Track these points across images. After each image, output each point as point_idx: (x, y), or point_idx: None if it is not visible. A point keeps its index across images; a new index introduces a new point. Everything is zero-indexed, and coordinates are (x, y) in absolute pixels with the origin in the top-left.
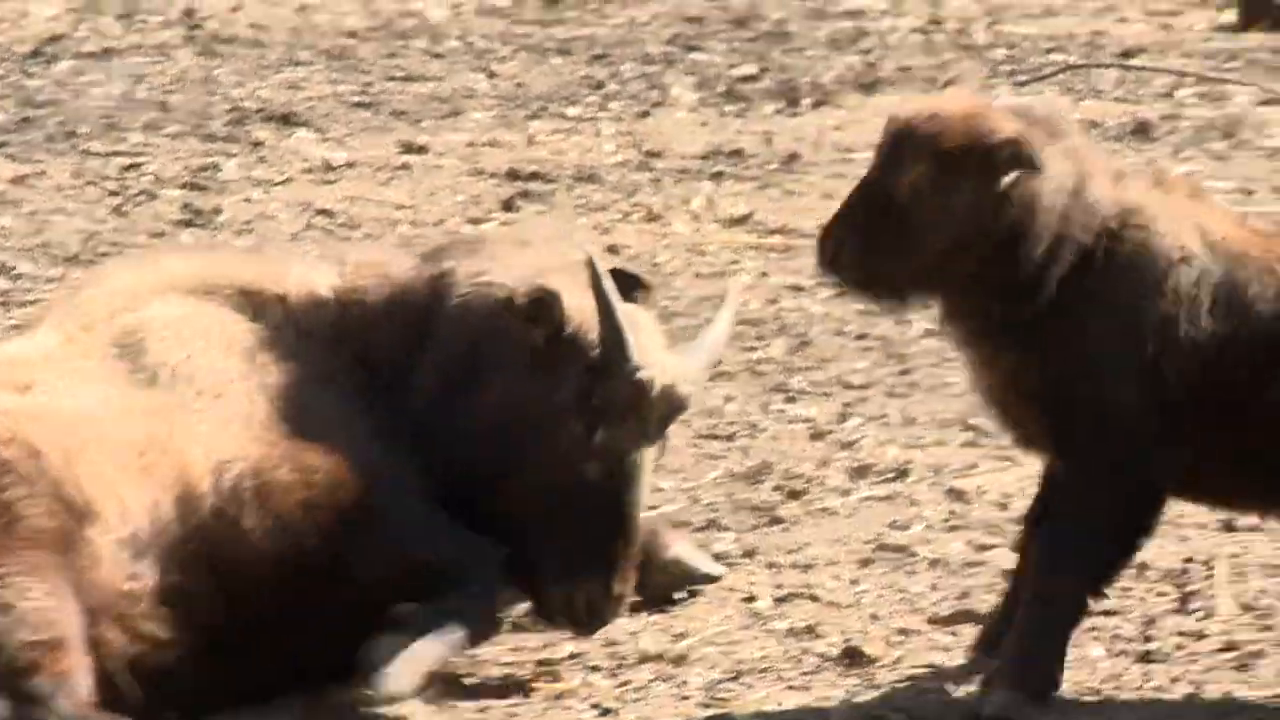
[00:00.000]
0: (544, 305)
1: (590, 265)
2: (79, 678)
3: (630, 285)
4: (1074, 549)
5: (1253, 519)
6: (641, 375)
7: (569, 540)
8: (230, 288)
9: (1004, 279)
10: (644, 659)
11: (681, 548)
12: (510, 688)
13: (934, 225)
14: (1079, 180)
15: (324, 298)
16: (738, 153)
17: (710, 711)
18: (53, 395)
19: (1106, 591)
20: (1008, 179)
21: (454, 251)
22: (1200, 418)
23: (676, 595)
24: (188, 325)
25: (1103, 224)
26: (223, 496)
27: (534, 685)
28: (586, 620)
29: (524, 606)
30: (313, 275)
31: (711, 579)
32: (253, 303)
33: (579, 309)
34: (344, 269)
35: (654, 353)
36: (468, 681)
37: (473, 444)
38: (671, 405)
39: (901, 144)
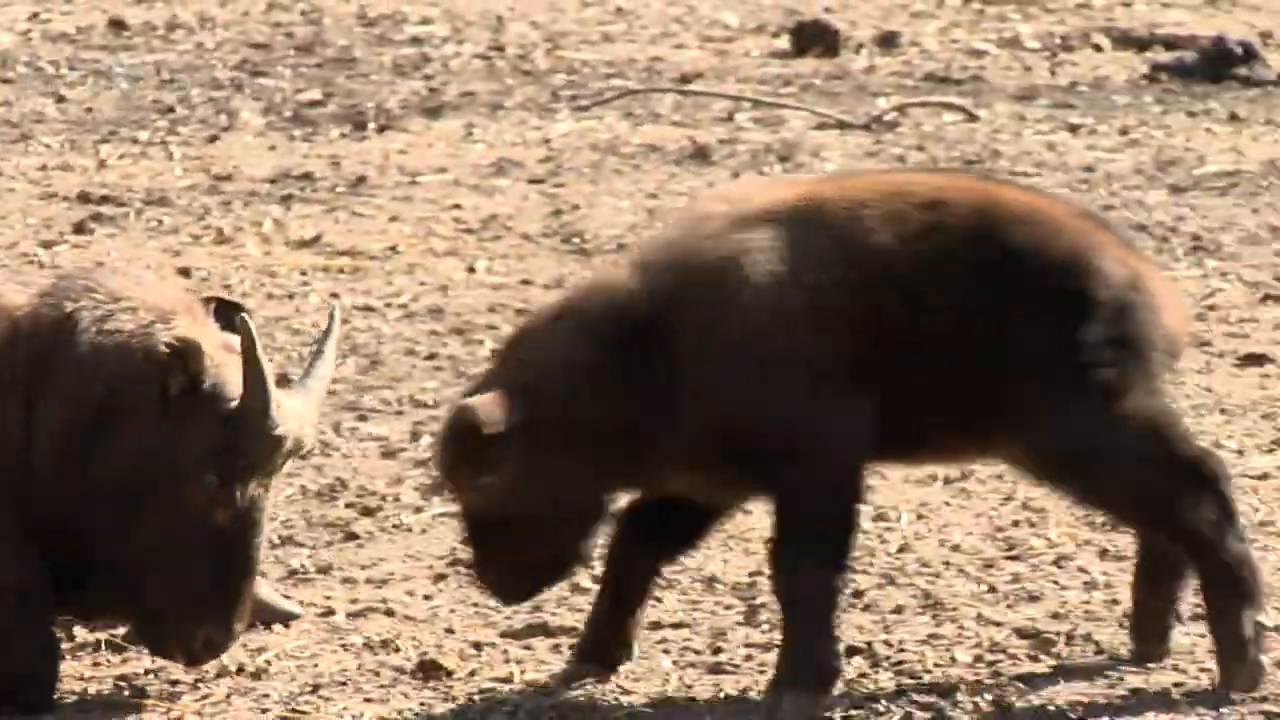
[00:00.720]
0: (186, 356)
1: (245, 326)
2: None
3: (230, 314)
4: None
5: None
6: (281, 431)
7: (191, 583)
8: None
9: None
10: (223, 673)
11: (263, 590)
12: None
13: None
14: None
15: None
16: (306, 176)
17: None
18: None
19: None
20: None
21: (72, 289)
22: None
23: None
24: None
25: None
26: None
27: (110, 697)
28: (203, 656)
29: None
30: None
31: (293, 617)
32: None
33: (212, 358)
34: None
35: (284, 403)
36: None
37: (97, 494)
38: (297, 450)
39: None
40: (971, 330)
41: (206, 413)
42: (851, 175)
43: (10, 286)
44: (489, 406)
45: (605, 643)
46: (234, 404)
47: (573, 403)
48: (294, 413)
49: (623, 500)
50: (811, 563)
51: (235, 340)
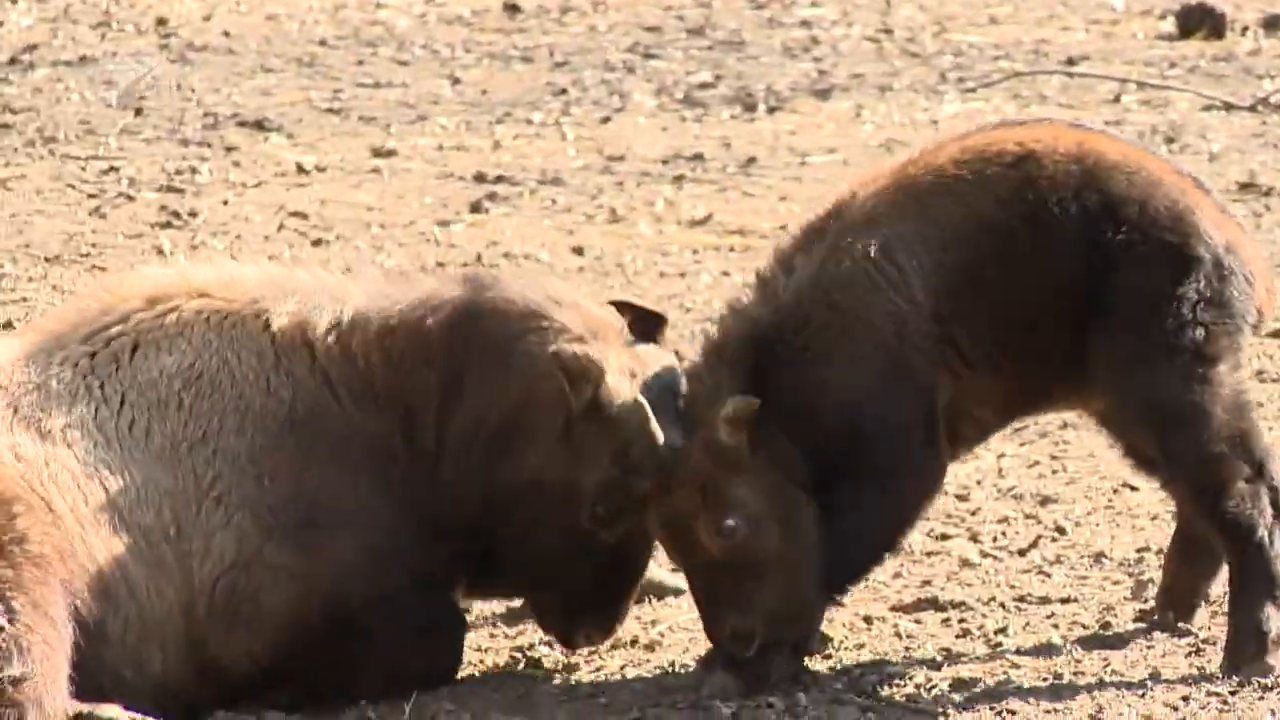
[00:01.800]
0: (586, 376)
1: (639, 404)
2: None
3: (652, 324)
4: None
5: None
6: (664, 467)
7: (578, 588)
8: (254, 327)
9: None
10: (617, 645)
11: (651, 569)
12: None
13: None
14: None
15: (351, 345)
16: (697, 156)
17: (679, 694)
18: (71, 450)
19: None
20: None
21: (484, 307)
22: None
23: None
24: (207, 382)
25: None
26: (216, 608)
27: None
28: (581, 645)
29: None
30: (335, 308)
31: (681, 592)
32: (276, 348)
33: (612, 387)
34: (377, 300)
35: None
36: None
37: (499, 504)
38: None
39: None
40: (1066, 283)
41: (600, 443)
42: (936, 147)
43: (424, 306)
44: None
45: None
46: (624, 440)
47: None
48: (673, 440)
49: None
50: (828, 586)
51: (647, 354)
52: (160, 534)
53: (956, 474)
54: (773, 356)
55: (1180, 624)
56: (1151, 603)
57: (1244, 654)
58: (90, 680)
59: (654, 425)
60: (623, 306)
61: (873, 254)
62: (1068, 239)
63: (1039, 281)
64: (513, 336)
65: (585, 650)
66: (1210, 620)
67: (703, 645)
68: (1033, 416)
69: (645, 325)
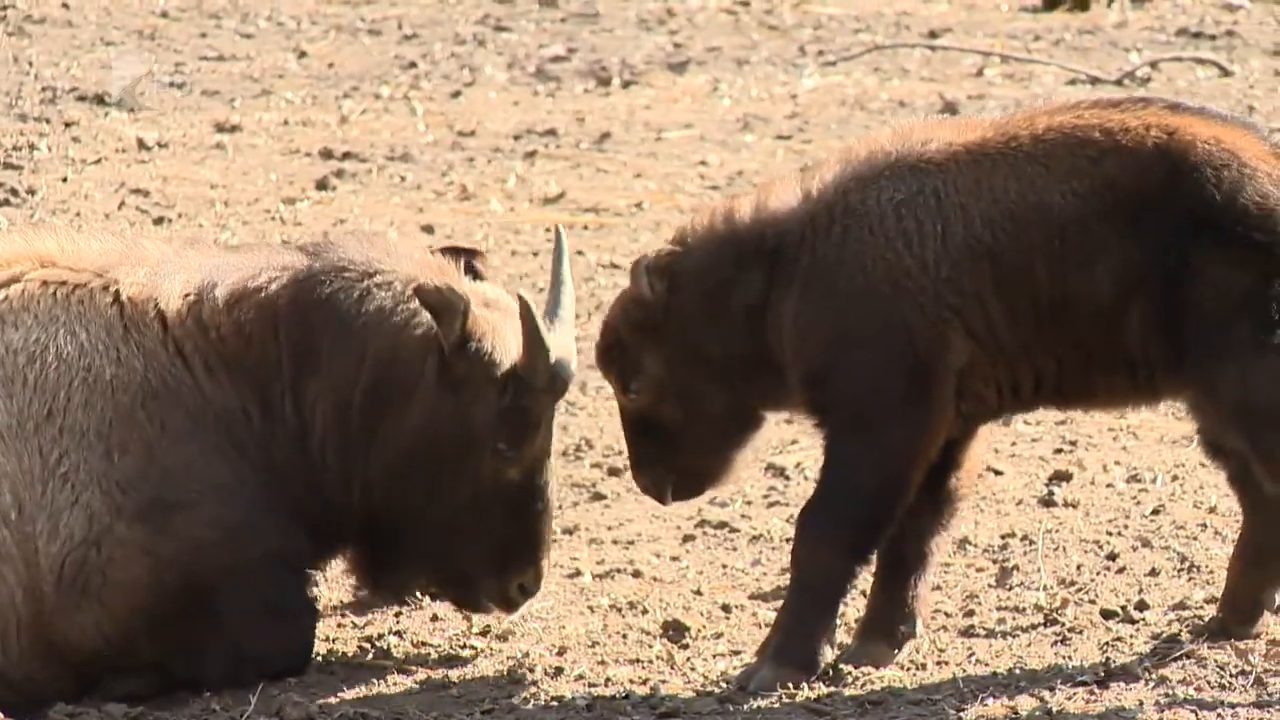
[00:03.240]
0: (452, 305)
1: (524, 304)
2: None
3: (469, 260)
4: (829, 520)
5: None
6: (562, 379)
7: (498, 539)
8: (102, 300)
9: None
10: (469, 635)
11: None
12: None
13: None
14: None
15: (202, 316)
16: (550, 132)
17: (535, 686)
18: None
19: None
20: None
21: (325, 270)
22: None
23: None
24: (54, 355)
25: None
26: (66, 588)
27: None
28: (519, 601)
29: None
30: (184, 278)
31: None
32: (126, 320)
33: (483, 316)
34: (223, 270)
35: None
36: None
37: (392, 473)
38: (567, 386)
39: None
40: (1136, 282)
41: (485, 377)
42: (1029, 117)
43: (266, 274)
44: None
45: (887, 618)
46: (512, 365)
47: None
48: (563, 351)
49: None
50: (831, 542)
51: (492, 289)
52: (0, 517)
53: (816, 458)
54: (788, 258)
55: (1238, 631)
56: (1017, 590)
57: None
58: None
59: (543, 331)
60: (446, 251)
61: (895, 202)
62: (1147, 239)
63: (1100, 279)
64: (360, 298)
65: (437, 639)
66: (1077, 610)
67: (555, 635)
68: (1066, 410)
69: (470, 264)
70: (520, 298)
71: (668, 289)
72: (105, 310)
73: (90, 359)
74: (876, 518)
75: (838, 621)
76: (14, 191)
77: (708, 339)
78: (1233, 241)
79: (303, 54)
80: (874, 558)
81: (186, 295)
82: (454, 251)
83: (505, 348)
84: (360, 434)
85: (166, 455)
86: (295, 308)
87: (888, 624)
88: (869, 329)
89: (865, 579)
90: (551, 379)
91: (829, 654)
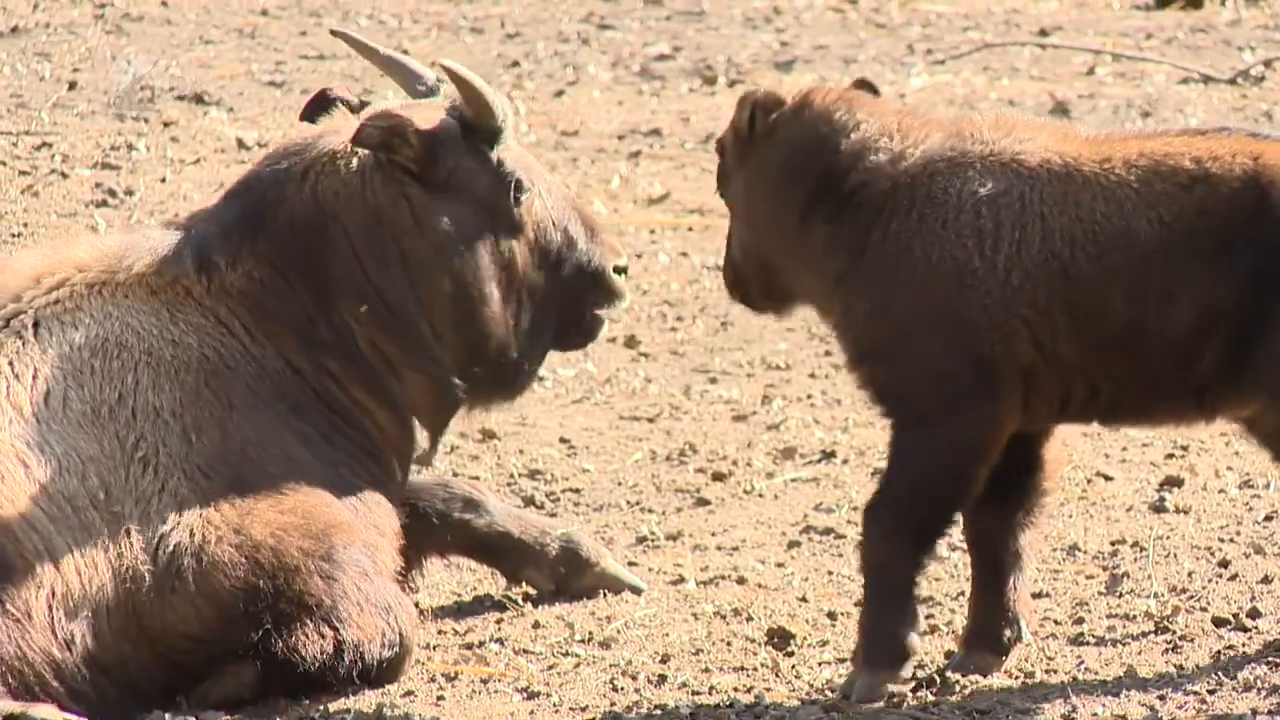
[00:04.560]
0: (398, 128)
1: (440, 66)
2: None
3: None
4: (890, 512)
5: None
6: (506, 109)
7: (573, 252)
8: (140, 291)
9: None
10: (571, 641)
11: (608, 562)
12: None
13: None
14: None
15: (218, 280)
16: (654, 131)
17: (638, 694)
18: None
19: (938, 550)
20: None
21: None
22: None
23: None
24: (114, 344)
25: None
26: (159, 572)
27: (459, 670)
28: (623, 281)
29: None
30: (188, 253)
31: (636, 591)
32: (165, 304)
33: (419, 118)
34: (211, 238)
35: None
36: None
37: (457, 313)
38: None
39: None
40: (1218, 308)
41: (460, 159)
42: (1122, 139)
43: (241, 220)
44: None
45: (990, 624)
46: (467, 127)
47: None
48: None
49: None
50: (893, 536)
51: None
52: (87, 500)
53: None
54: (861, 221)
55: None
56: (1127, 597)
57: None
58: (20, 673)
59: (468, 73)
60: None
61: (977, 198)
62: (1233, 267)
63: (1182, 310)
64: (312, 190)
65: (538, 646)
66: (1188, 617)
67: (659, 643)
68: (1115, 427)
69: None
70: (438, 65)
71: (757, 135)
72: (147, 299)
73: (149, 343)
74: (937, 511)
75: (923, 613)
76: (111, 192)
77: (771, 205)
78: None
79: (405, 52)
80: (967, 564)
81: (200, 268)
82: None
83: (451, 126)
84: (405, 304)
85: (239, 431)
86: (274, 235)
87: (991, 630)
88: (929, 323)
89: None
90: (503, 111)
91: (916, 643)
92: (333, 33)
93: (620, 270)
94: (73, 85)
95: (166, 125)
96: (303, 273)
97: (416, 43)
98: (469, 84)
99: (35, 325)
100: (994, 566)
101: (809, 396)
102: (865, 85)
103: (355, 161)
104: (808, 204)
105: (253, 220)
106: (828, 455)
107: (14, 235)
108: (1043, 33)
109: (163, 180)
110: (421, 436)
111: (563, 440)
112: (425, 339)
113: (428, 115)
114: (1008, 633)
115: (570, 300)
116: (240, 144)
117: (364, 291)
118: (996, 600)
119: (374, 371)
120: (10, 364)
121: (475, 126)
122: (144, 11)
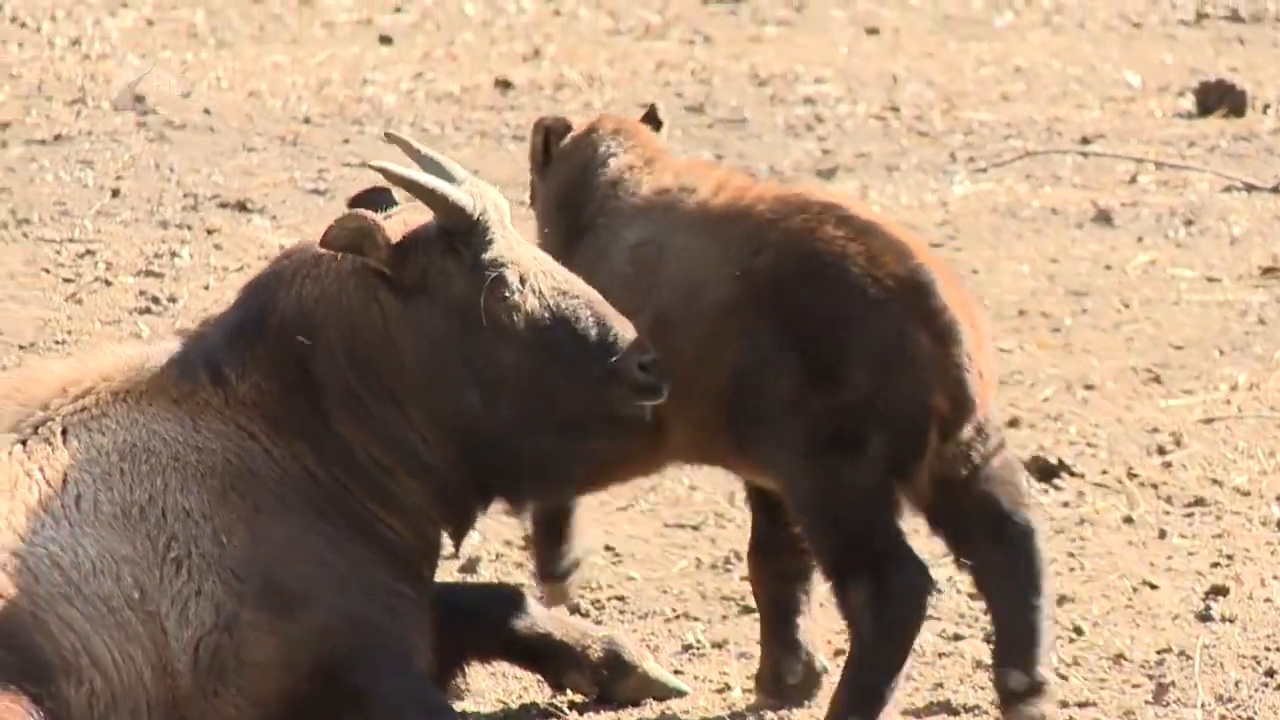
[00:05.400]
0: (365, 233)
1: (378, 170)
2: None
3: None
4: None
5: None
6: (481, 202)
7: (577, 351)
8: (164, 400)
9: None
10: None
11: (651, 665)
12: None
13: None
14: None
15: (236, 394)
16: None
17: None
18: (16, 534)
19: None
20: None
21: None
22: None
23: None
24: (142, 449)
25: None
26: (200, 674)
27: None
28: (652, 373)
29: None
30: (202, 362)
31: (680, 695)
32: (187, 412)
33: (391, 222)
34: (220, 348)
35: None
36: None
37: (444, 414)
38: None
39: None
40: None
41: (433, 260)
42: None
43: (244, 333)
44: None
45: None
46: (436, 228)
47: None
48: (457, 173)
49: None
50: None
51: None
52: (122, 600)
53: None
54: None
55: None
56: (1173, 707)
57: None
58: None
59: (420, 175)
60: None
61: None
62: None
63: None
64: (295, 302)
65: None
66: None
67: None
68: None
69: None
70: (375, 168)
71: (550, 159)
72: (170, 408)
73: (175, 449)
74: None
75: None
76: (155, 300)
77: (550, 227)
78: None
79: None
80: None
81: (213, 381)
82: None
83: (427, 226)
84: (386, 411)
85: (268, 534)
86: (269, 342)
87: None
88: None
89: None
90: (471, 207)
91: None
92: (387, 136)
93: (646, 365)
94: (116, 193)
95: (210, 233)
96: (298, 382)
97: (459, 150)
98: (415, 184)
99: (64, 432)
100: (781, 612)
101: None
102: (651, 117)
103: (334, 266)
104: (571, 229)
105: (251, 328)
106: None
107: (58, 342)
108: (1085, 141)
109: (206, 288)
110: (444, 537)
111: (608, 548)
112: (413, 445)
113: (407, 217)
114: (799, 669)
115: (585, 395)
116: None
117: (349, 400)
118: (788, 640)
119: (377, 480)
120: (41, 469)
121: (448, 227)
122: (187, 119)
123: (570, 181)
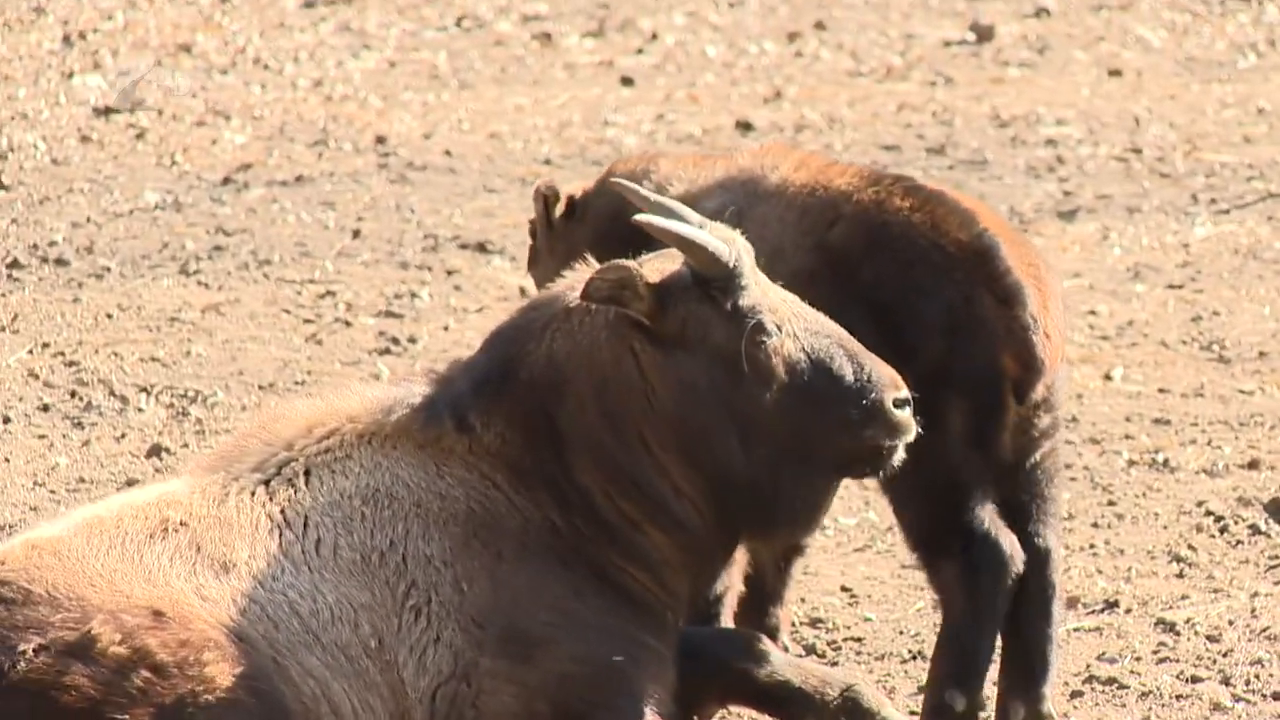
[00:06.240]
0: (626, 283)
1: (640, 221)
2: None
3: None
4: None
5: None
6: (735, 250)
7: (836, 392)
8: (408, 444)
9: None
10: None
11: (889, 711)
12: None
13: None
14: None
15: (480, 441)
16: None
17: None
18: (257, 580)
19: None
20: None
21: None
22: None
23: None
24: (384, 495)
25: None
26: (439, 717)
27: None
28: (905, 412)
29: None
30: (450, 407)
31: None
32: (432, 458)
33: (649, 269)
34: (460, 394)
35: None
36: None
37: (703, 470)
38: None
39: None
40: None
41: (692, 309)
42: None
43: (486, 385)
44: None
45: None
46: (693, 277)
47: None
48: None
49: None
50: None
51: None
52: (360, 648)
53: (1208, 613)
54: None
55: None
56: None
57: None
58: None
59: (680, 227)
60: None
61: None
62: None
63: None
64: (545, 354)
65: None
66: None
67: None
68: None
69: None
70: (639, 223)
71: (563, 221)
72: (414, 453)
73: (417, 495)
74: None
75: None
76: (395, 340)
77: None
78: None
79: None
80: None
81: (459, 429)
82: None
83: (682, 274)
84: (639, 464)
85: (510, 582)
86: (517, 394)
87: None
88: None
89: None
90: (727, 255)
91: None
92: (611, 183)
93: (901, 403)
94: (356, 234)
95: (450, 273)
96: (543, 433)
97: None
98: (675, 235)
99: (307, 473)
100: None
101: (1091, 546)
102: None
103: (587, 319)
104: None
105: (497, 378)
106: (1110, 605)
107: (297, 383)
108: None
109: (445, 329)
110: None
111: (844, 589)
112: (664, 497)
113: (659, 266)
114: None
115: (843, 435)
116: (522, 292)
117: (595, 451)
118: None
119: (621, 532)
120: (282, 511)
121: (704, 274)
122: (428, 160)
123: (609, 218)
